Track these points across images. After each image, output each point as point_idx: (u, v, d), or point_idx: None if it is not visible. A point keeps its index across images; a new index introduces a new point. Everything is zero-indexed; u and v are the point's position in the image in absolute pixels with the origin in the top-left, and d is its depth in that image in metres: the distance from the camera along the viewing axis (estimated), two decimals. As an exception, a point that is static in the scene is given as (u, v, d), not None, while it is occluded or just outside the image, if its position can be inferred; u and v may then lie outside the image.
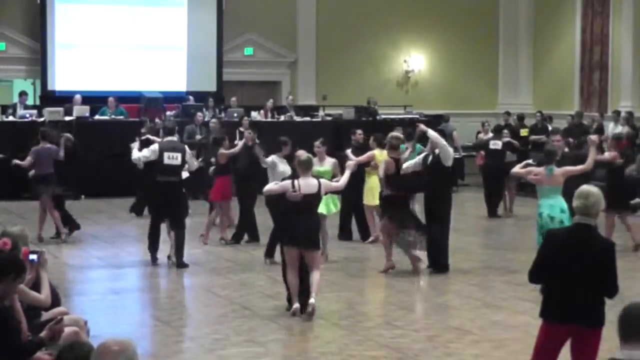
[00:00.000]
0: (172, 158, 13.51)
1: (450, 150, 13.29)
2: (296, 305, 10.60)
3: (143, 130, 18.42)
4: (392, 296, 12.01)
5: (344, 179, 11.11)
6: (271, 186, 11.02)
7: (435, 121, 24.07)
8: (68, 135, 16.83)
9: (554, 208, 11.66)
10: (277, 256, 12.57)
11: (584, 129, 22.51)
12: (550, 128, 24.34)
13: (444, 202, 13.05)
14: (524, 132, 23.98)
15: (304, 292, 10.69)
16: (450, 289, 12.39)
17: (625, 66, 25.44)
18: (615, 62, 25.84)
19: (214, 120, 19.42)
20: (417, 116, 24.77)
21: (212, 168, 15.86)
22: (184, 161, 13.67)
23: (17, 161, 15.86)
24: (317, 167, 13.53)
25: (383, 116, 24.17)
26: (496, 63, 29.30)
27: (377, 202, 14.28)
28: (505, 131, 20.60)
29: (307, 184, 10.50)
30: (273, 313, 10.83)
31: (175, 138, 14.40)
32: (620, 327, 4.75)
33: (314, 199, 10.53)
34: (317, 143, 13.99)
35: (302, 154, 11.12)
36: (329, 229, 14.29)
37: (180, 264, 13.52)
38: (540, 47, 28.64)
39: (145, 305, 11.92)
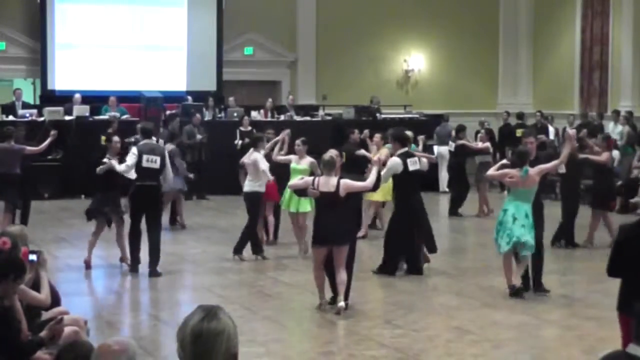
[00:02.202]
0: (150, 161, 13.02)
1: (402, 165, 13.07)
2: (323, 299, 10.83)
3: (110, 131, 18.23)
4: (392, 296, 12.00)
5: (371, 178, 11.05)
6: (296, 181, 11.46)
7: (435, 121, 24.11)
8: (55, 131, 16.59)
9: (520, 210, 11.45)
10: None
11: (588, 126, 22.53)
12: (550, 128, 24.41)
13: (409, 205, 13.01)
14: (519, 133, 23.94)
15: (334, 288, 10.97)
16: (450, 289, 12.39)
17: (625, 66, 25.42)
18: (615, 62, 25.83)
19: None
20: (417, 116, 24.79)
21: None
22: (163, 165, 13.16)
23: None
24: (295, 165, 14.20)
25: (383, 116, 24.18)
26: (496, 63, 29.28)
27: (376, 197, 15.01)
28: (481, 133, 20.40)
29: (326, 182, 10.73)
30: (273, 313, 10.83)
31: (154, 141, 13.80)
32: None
33: (332, 197, 10.64)
34: (297, 142, 14.33)
35: (327, 153, 11.12)
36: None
37: (153, 273, 13.04)
38: (540, 47, 28.62)
39: (145, 304, 11.92)
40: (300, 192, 11.38)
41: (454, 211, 19.31)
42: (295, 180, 11.61)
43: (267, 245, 14.87)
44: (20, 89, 23.17)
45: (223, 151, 20.96)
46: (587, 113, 24.71)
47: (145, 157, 13.02)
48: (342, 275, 10.70)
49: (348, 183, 10.85)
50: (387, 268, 13.03)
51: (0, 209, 15.66)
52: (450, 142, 20.24)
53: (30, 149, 15.70)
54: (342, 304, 10.68)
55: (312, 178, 11.05)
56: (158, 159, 13.06)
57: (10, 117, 21.62)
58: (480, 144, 19.71)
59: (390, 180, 13.28)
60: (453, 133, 23.23)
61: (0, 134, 15.59)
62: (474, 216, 19.13)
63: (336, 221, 10.62)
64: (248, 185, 14.14)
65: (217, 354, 3.03)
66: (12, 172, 15.27)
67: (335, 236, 10.65)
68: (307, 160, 14.21)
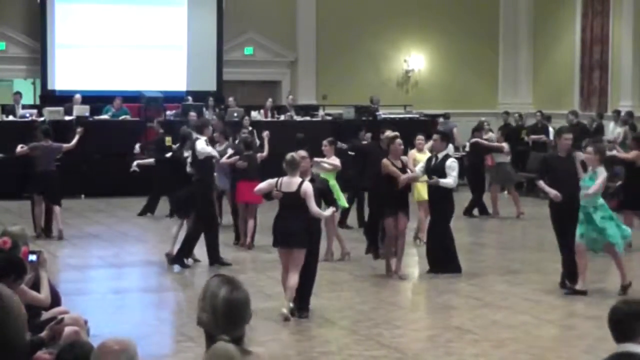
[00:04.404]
0: (187, 156, 13.68)
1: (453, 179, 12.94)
2: (283, 310, 10.49)
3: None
4: (392, 296, 12.00)
5: (317, 211, 10.58)
6: (261, 185, 11.01)
7: (435, 121, 24.09)
8: (81, 128, 16.92)
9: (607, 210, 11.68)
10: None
11: (582, 127, 22.51)
12: (550, 128, 24.39)
13: (444, 204, 13.01)
14: (523, 132, 23.95)
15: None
16: (450, 289, 12.38)
17: (625, 66, 25.43)
18: (615, 62, 25.83)
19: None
20: (417, 116, 24.78)
21: None
22: (195, 156, 13.43)
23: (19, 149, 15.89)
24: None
25: (383, 115, 24.18)
26: (496, 63, 29.29)
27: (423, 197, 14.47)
28: (493, 135, 20.27)
29: (288, 183, 10.48)
30: (273, 313, 10.82)
31: (200, 136, 13.80)
32: (621, 326, 4.62)
33: (294, 197, 10.41)
34: (324, 142, 14.28)
35: (290, 153, 11.01)
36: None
37: (172, 260, 13.45)
38: (540, 47, 28.63)
39: (146, 304, 11.91)
40: (267, 195, 11.08)
41: (480, 211, 19.21)
42: (260, 184, 11.07)
43: (246, 250, 14.96)
44: (19, 93, 22.95)
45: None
46: (577, 112, 24.62)
47: (185, 153, 13.68)
48: (292, 280, 10.38)
49: (308, 190, 10.45)
50: (453, 267, 13.09)
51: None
52: (466, 142, 20.18)
53: (66, 146, 16.08)
54: (285, 310, 10.39)
55: (275, 180, 10.69)
56: (190, 152, 13.50)
57: (10, 117, 21.63)
58: (494, 143, 19.54)
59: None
60: (455, 131, 23.21)
61: (41, 132, 15.84)
62: (487, 216, 19.10)
63: (295, 223, 10.35)
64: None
65: (245, 318, 3.65)
66: (50, 169, 15.70)
67: (292, 238, 10.41)
68: (335, 160, 14.19)
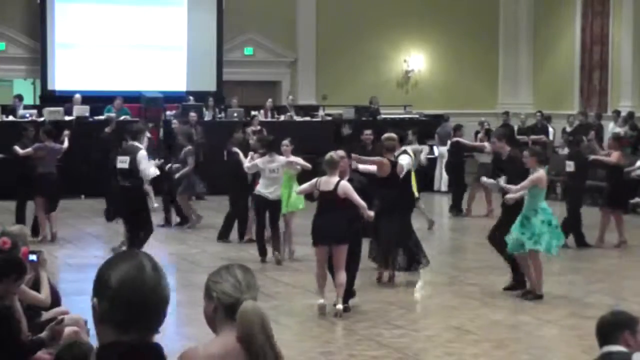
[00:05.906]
0: (121, 162, 13.35)
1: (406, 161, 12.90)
2: (321, 301, 10.71)
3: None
4: (392, 296, 12.00)
5: (363, 204, 10.69)
6: (303, 186, 11.47)
7: (435, 121, 24.11)
8: (67, 131, 17.01)
9: (548, 213, 11.56)
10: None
11: (589, 126, 22.59)
12: (550, 129, 24.43)
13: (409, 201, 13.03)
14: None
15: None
16: (450, 289, 12.39)
17: (625, 66, 25.44)
18: (615, 62, 25.84)
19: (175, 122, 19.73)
20: (417, 116, 24.79)
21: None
22: (134, 165, 13.16)
23: (17, 148, 15.76)
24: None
25: (383, 116, 24.18)
26: (496, 63, 29.29)
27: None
28: (480, 133, 20.48)
29: (326, 182, 10.70)
30: (273, 313, 10.82)
31: (136, 143, 13.46)
32: (604, 332, 5.21)
33: (331, 196, 10.59)
34: (285, 141, 14.14)
35: (329, 152, 11.07)
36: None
37: None
38: (540, 47, 28.63)
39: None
40: (309, 196, 11.39)
41: (454, 210, 19.34)
42: (303, 185, 11.52)
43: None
44: (20, 97, 22.85)
45: (223, 151, 20.90)
46: (587, 112, 24.70)
47: (118, 158, 13.46)
48: (340, 277, 10.60)
49: (347, 187, 10.65)
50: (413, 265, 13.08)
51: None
52: (448, 141, 20.34)
53: (63, 147, 16.06)
54: (339, 306, 10.62)
55: (316, 180, 10.97)
56: (127, 159, 13.25)
57: (10, 118, 21.63)
58: (477, 142, 19.66)
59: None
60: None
61: (44, 132, 15.80)
62: (483, 216, 19.09)
63: (334, 220, 10.52)
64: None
65: (257, 290, 3.95)
66: (52, 170, 15.60)
67: (332, 234, 10.56)
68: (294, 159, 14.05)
